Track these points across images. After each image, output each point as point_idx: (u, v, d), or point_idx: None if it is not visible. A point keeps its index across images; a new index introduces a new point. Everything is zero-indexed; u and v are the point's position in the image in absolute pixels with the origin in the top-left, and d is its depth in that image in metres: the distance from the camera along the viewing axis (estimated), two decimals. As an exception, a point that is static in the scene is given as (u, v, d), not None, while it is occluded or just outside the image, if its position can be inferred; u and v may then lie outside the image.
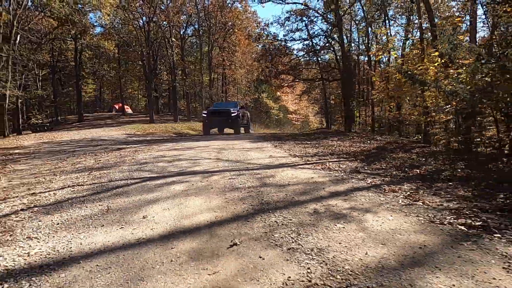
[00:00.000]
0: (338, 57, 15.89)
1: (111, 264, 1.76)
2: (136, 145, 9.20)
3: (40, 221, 2.56)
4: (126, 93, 40.67)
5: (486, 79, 5.53)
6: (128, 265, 1.74)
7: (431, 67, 7.17)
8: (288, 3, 15.75)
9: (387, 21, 16.01)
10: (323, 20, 15.99)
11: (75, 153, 7.86)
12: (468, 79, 5.85)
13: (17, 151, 9.39)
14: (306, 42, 16.54)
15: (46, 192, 3.63)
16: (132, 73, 36.84)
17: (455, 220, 2.30)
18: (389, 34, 11.06)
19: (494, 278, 1.51)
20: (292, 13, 15.49)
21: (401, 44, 12.65)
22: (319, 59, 18.18)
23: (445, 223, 2.25)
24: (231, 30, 26.13)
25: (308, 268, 1.62)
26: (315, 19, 16.53)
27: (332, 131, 16.53)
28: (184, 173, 4.36)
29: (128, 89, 41.79)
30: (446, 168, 4.48)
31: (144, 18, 24.32)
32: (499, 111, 6.16)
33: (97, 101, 44.72)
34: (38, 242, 2.12)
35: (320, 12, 15.78)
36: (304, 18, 15.62)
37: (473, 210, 2.51)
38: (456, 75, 6.19)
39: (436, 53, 6.97)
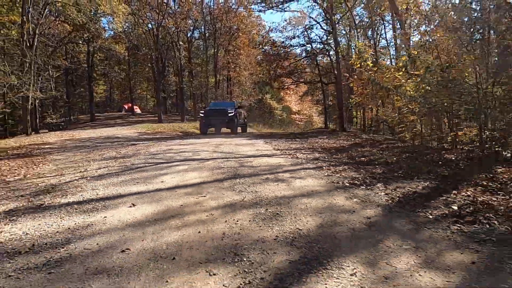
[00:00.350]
0: (333, 62, 17.34)
1: (143, 197, 3.34)
2: (147, 142, 10.85)
3: (94, 183, 4.18)
4: (135, 93, 42.71)
5: (428, 88, 7.02)
6: (152, 197, 3.32)
7: (397, 76, 8.63)
8: (286, 11, 17.30)
9: (383, 26, 17.44)
10: (320, 27, 17.48)
11: (97, 148, 9.53)
12: (416, 87, 7.34)
13: (46, 146, 11.12)
14: (303, 47, 18.01)
15: (89, 170, 5.26)
16: (141, 75, 38.85)
17: (348, 182, 3.83)
18: (366, 44, 12.51)
19: (337, 201, 3.04)
20: (290, 21, 17.08)
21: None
22: (318, 62, 19.65)
23: (340, 183, 3.79)
24: (236, 34, 27.71)
25: (244, 197, 3.19)
26: (312, 26, 17.99)
27: (329, 130, 17.97)
28: (186, 159, 5.95)
29: (137, 90, 43.75)
30: (385, 158, 5.98)
31: (153, 23, 26.17)
32: (446, 114, 7.68)
33: (108, 101, 46.84)
34: (99, 191, 3.73)
35: (317, 20, 17.29)
36: (300, 27, 17.20)
37: (365, 178, 4.03)
38: (412, 83, 7.66)
39: (400, 64, 8.42)
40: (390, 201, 3.04)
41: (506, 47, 6.24)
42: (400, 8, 9.94)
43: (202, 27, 30.73)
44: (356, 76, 9.97)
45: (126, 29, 30.00)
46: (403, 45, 8.29)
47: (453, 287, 1.59)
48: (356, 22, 16.16)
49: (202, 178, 4.16)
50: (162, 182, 4.03)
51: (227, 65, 28.73)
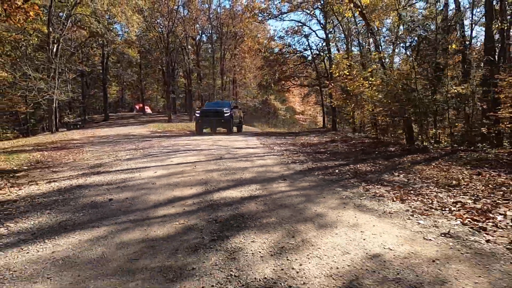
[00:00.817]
0: (327, 67, 19.43)
1: (159, 167, 5.58)
2: (159, 138, 13.17)
3: (127, 162, 6.44)
4: (146, 94, 45.49)
5: (380, 96, 9.12)
6: (165, 167, 5.56)
7: (365, 83, 10.71)
8: (285, 20, 19.43)
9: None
10: (316, 35, 19.55)
11: (119, 143, 11.88)
12: (373, 94, 9.44)
13: (75, 142, 13.54)
14: (299, 54, 20.11)
15: (119, 156, 7.54)
16: (152, 76, 41.55)
17: (290, 161, 5.99)
18: (349, 53, 14.54)
19: (273, 169, 5.22)
20: (288, 29, 19.24)
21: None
22: (316, 66, 21.75)
23: (285, 162, 5.96)
24: (241, 39, 29.95)
25: (220, 167, 5.41)
26: (309, 34, 20.08)
27: (323, 130, 20.07)
28: (188, 150, 8.20)
29: (148, 91, 46.46)
30: (340, 150, 8.10)
31: (163, 29, 28.65)
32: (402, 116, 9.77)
33: (120, 102, 49.76)
34: (131, 166, 5.98)
35: (313, 29, 19.36)
36: (297, 36, 19.34)
37: (305, 160, 6.18)
38: (369, 91, 9.75)
39: (366, 74, 10.51)
40: (305, 169, 5.21)
41: (437, 64, 8.34)
42: (372, 27, 12.00)
43: (210, 31, 33.20)
44: (333, 83, 12.08)
45: (138, 34, 32.67)
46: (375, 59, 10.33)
47: (295, 189, 3.76)
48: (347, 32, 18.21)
49: (197, 159, 6.39)
50: (171, 161, 6.28)
51: (233, 68, 31.04)
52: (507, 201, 3.14)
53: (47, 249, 2.37)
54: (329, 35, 18.06)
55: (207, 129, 16.88)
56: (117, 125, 26.49)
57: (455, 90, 7.70)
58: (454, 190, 3.63)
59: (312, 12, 17.67)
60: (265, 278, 1.87)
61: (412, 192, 3.66)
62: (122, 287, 1.82)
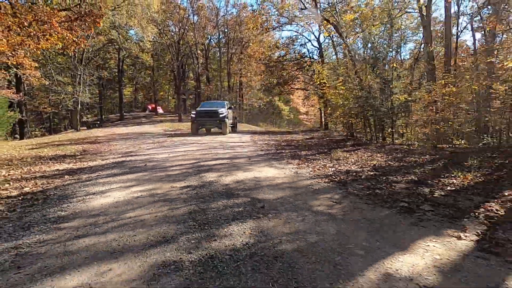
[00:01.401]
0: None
1: (170, 152, 8.61)
2: (170, 135, 16.28)
3: (148, 151, 9.50)
4: (158, 95, 49.06)
5: (340, 102, 11.97)
6: (174, 152, 8.59)
7: (336, 91, 13.53)
8: (283, 30, 22.35)
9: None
10: (312, 45, 22.42)
11: (138, 138, 15.00)
12: (337, 99, 12.28)
13: (101, 138, 16.74)
14: (295, 61, 23.01)
15: (142, 147, 10.62)
16: (164, 78, 45.03)
17: (261, 151, 8.93)
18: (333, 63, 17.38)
19: (247, 155, 8.19)
20: (286, 39, 22.18)
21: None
22: (314, 71, 24.58)
23: (258, 150, 8.91)
24: (247, 44, 32.97)
25: (210, 152, 8.41)
26: (305, 43, 22.97)
27: (318, 129, 22.93)
28: (192, 143, 11.24)
29: (160, 92, 49.97)
30: (310, 143, 10.99)
31: (175, 36, 31.94)
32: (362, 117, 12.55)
33: (133, 102, 53.48)
34: (152, 152, 9.03)
35: (309, 39, 22.23)
36: (295, 43, 22.25)
37: (275, 150, 9.11)
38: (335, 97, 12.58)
39: (336, 83, 13.33)
40: (265, 154, 8.13)
41: (382, 78, 11.12)
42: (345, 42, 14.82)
43: (218, 36, 36.39)
44: (313, 90, 14.99)
45: (151, 40, 36.12)
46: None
47: (248, 162, 6.70)
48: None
49: (197, 148, 9.40)
50: (178, 149, 9.30)
51: (239, 71, 34.10)
52: (343, 163, 6.01)
53: (125, 177, 5.38)
54: (322, 45, 20.87)
55: (203, 129, 17.36)
56: (132, 124, 29.86)
57: (398, 99, 10.50)
58: (334, 161, 6.52)
59: (307, 24, 20.57)
60: (212, 179, 4.85)
61: (310, 162, 6.56)
62: (159, 184, 4.80)
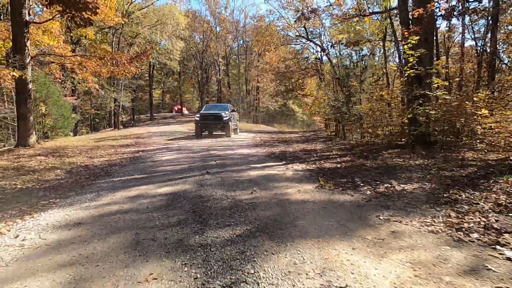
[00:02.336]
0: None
1: (195, 143, 13.73)
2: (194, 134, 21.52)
3: (180, 142, 14.68)
4: (183, 97, 55.04)
5: (317, 109, 16.78)
6: (198, 143, 13.71)
7: (320, 100, 18.23)
8: (290, 44, 27.23)
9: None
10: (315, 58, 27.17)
11: (170, 136, 20.30)
12: (315, 108, 17.07)
13: (139, 135, 22.20)
14: (300, 72, 27.73)
15: (175, 140, 15.84)
16: (189, 82, 50.87)
17: (255, 143, 13.89)
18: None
19: (244, 145, 13.20)
20: (291, 53, 27.08)
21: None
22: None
23: (252, 144, 13.88)
24: (263, 53, 38.00)
25: (219, 144, 13.49)
26: (308, 56, 27.71)
27: (318, 130, 27.58)
28: (210, 139, 16.36)
29: (186, 94, 55.94)
30: (296, 139, 15.85)
31: (199, 46, 37.55)
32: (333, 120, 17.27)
33: (161, 103, 59.84)
34: (182, 143, 14.18)
35: (313, 52, 26.97)
36: (299, 57, 27.07)
37: (268, 144, 14.05)
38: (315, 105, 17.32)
39: (319, 94, 18.03)
40: (255, 145, 13.04)
41: (348, 92, 15.79)
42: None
43: (237, 44, 41.68)
44: (305, 99, 19.75)
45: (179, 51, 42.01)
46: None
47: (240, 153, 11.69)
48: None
49: (209, 141, 14.47)
50: (201, 141, 14.40)
51: (256, 77, 39.16)
52: (291, 149, 10.81)
53: (170, 152, 10.47)
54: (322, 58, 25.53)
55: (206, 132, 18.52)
56: (162, 124, 35.58)
57: (357, 108, 15.11)
58: (288, 148, 11.33)
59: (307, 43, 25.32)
60: (213, 154, 9.86)
61: (272, 148, 11.41)
62: (187, 154, 9.84)
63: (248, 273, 2.45)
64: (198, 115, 17.08)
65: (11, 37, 12.05)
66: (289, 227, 3.34)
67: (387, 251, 2.73)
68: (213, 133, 17.88)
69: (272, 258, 2.67)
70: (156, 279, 2.37)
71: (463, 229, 3.11)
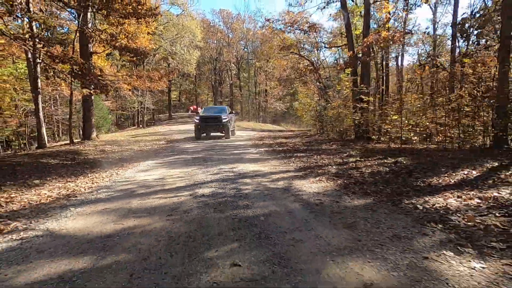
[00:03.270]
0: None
1: (203, 139, 19.16)
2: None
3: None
4: (199, 98, 60.88)
5: (304, 114, 22.03)
6: (203, 138, 19.13)
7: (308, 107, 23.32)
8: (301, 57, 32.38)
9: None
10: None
11: (188, 133, 25.72)
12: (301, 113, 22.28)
13: (165, 132, 27.72)
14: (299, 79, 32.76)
15: (192, 135, 21.29)
16: (204, 84, 56.60)
17: (251, 138, 19.18)
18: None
19: (239, 138, 18.53)
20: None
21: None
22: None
23: (243, 141, 19.18)
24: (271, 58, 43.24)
25: (221, 140, 18.91)
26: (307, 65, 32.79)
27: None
28: (218, 134, 21.80)
29: (201, 95, 61.75)
30: (282, 136, 21.11)
31: (213, 53, 43.09)
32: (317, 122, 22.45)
33: (178, 104, 65.89)
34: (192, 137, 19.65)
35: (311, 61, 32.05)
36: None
37: (257, 139, 19.33)
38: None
39: (307, 101, 23.14)
40: (250, 140, 18.28)
41: (326, 100, 20.97)
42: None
43: (248, 49, 47.00)
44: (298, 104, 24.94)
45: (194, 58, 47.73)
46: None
47: (234, 148, 16.99)
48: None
49: (214, 139, 19.86)
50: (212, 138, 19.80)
51: (264, 81, 44.40)
52: (274, 143, 16.01)
53: (191, 142, 15.85)
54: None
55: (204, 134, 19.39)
56: (180, 123, 41.26)
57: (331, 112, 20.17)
58: (273, 142, 16.54)
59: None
60: (216, 148, 15.19)
61: (259, 141, 16.65)
62: (202, 148, 15.18)
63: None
64: (197, 117, 18.04)
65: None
66: (243, 159, 8.62)
67: (268, 165, 7.96)
68: (211, 134, 19.16)
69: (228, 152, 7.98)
70: (192, 167, 7.67)
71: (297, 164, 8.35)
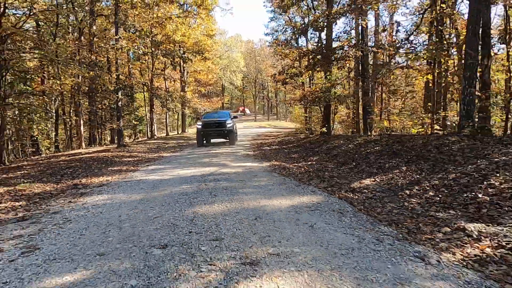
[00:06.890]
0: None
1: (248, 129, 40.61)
2: (243, 128, 48.40)
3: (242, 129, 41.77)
4: (246, 101, 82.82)
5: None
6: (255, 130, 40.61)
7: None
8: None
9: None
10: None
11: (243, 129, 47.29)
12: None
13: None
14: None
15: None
16: (249, 92, 78.40)
17: (248, 135, 40.41)
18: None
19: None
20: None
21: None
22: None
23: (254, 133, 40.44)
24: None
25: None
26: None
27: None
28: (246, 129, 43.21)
29: (247, 100, 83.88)
30: (278, 134, 42.10)
31: (253, 73, 64.54)
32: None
33: (229, 105, 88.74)
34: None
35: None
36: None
37: (254, 138, 40.47)
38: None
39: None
40: (248, 137, 39.40)
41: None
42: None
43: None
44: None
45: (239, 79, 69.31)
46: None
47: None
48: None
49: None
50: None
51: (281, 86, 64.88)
52: (266, 139, 36.82)
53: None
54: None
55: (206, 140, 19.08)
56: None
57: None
58: (266, 139, 37.45)
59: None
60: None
61: (254, 140, 37.61)
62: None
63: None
64: (199, 123, 18.35)
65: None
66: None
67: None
68: (211, 141, 19.12)
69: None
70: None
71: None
